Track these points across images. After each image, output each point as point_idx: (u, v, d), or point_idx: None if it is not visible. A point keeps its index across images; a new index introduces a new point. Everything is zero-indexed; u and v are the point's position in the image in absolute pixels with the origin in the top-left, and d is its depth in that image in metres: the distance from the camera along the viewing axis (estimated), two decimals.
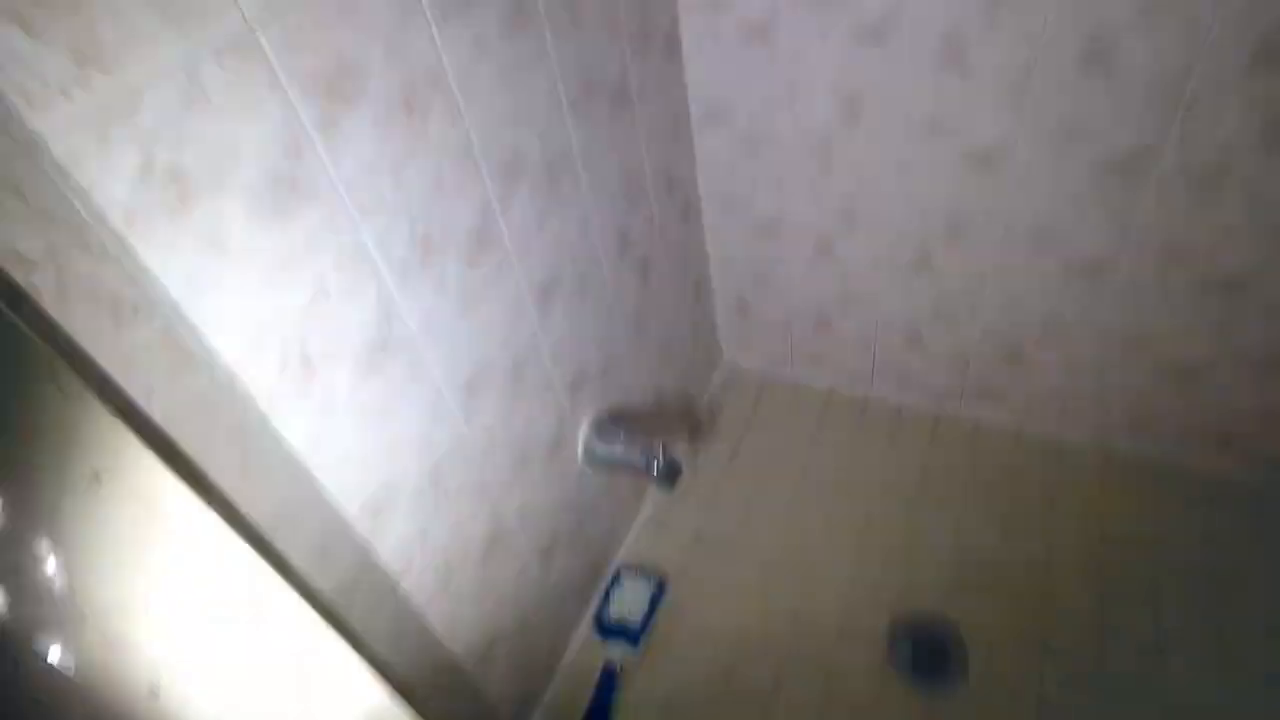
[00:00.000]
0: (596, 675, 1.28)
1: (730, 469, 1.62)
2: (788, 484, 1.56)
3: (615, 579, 1.40)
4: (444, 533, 0.93)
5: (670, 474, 1.18)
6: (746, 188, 1.45)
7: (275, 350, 0.64)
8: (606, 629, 1.32)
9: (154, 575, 0.49)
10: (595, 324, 1.20)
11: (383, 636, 0.85)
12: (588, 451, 1.24)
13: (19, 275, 0.44)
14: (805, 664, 1.27)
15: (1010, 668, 1.21)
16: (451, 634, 0.99)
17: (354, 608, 0.79)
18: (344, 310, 0.70)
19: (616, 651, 1.30)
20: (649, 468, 1.17)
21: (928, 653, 1.24)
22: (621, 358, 1.32)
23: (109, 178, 0.49)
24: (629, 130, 1.17)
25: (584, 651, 1.33)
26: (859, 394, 1.71)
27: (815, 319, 1.62)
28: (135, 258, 0.51)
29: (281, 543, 0.67)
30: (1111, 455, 1.48)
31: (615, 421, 1.28)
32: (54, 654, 0.41)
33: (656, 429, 1.57)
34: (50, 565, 0.41)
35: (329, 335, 0.69)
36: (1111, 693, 1.16)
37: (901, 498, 1.49)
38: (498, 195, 0.89)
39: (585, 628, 1.36)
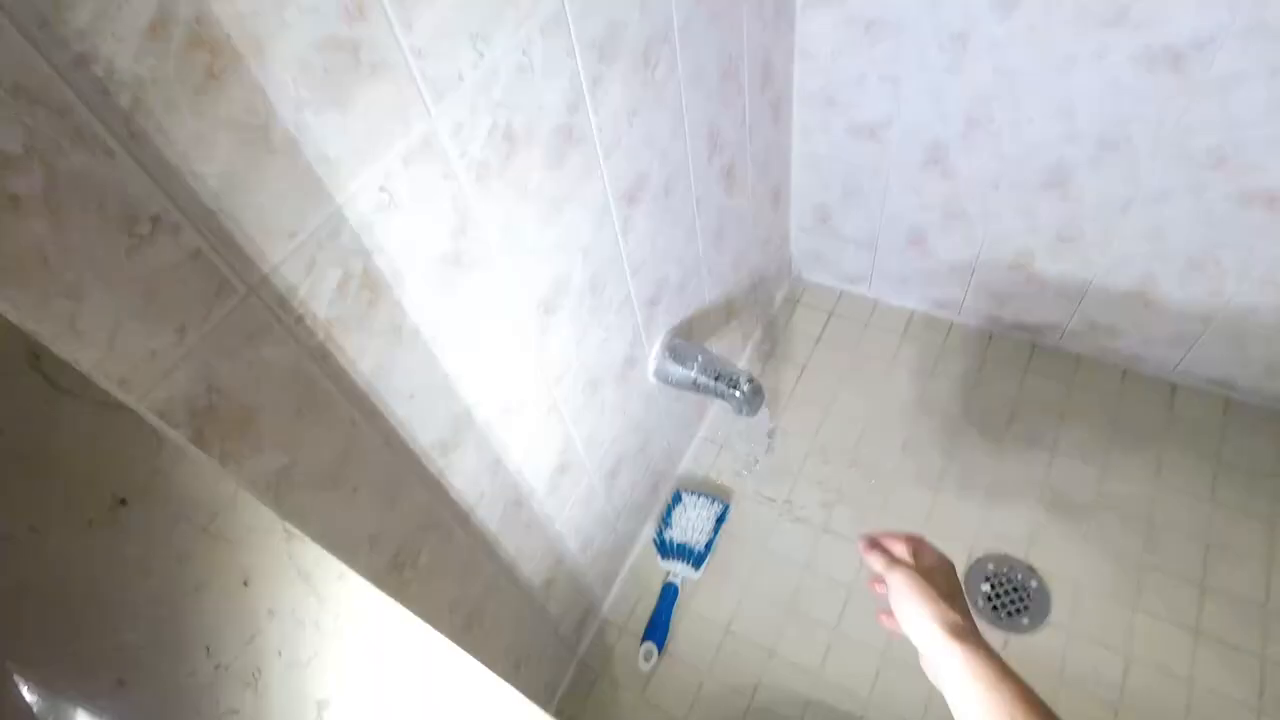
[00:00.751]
0: (658, 589, 1.26)
1: (797, 390, 1.53)
2: (859, 407, 1.47)
3: (675, 498, 1.35)
4: (513, 464, 0.87)
5: (754, 401, 1.09)
6: (851, 82, 1.26)
7: (336, 270, 0.55)
8: (667, 549, 1.28)
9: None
10: (677, 234, 1.08)
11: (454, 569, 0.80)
12: (660, 372, 1.15)
13: None
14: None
15: (1097, 620, 1.15)
16: (514, 564, 0.95)
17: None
18: (412, 221, 0.60)
19: (678, 570, 1.27)
20: (730, 395, 1.08)
21: (1007, 596, 1.19)
22: (698, 271, 1.21)
23: None
24: (732, 3, 0.99)
25: (641, 563, 1.31)
26: (945, 318, 1.58)
27: (908, 236, 1.46)
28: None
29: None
30: (1231, 401, 1.35)
31: (688, 341, 1.18)
32: None
33: (727, 347, 1.47)
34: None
35: (395, 248, 0.59)
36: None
37: (988, 430, 1.39)
38: (589, 79, 0.75)
39: (644, 543, 1.33)
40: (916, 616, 0.49)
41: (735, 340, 1.51)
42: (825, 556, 1.28)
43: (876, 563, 0.55)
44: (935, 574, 0.53)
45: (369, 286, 0.57)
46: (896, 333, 1.58)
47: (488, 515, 0.85)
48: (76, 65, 0.35)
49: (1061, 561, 1.21)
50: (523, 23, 0.63)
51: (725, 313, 1.39)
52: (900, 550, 0.56)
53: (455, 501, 0.78)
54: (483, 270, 0.69)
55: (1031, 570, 1.21)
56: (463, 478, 0.77)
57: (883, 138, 1.32)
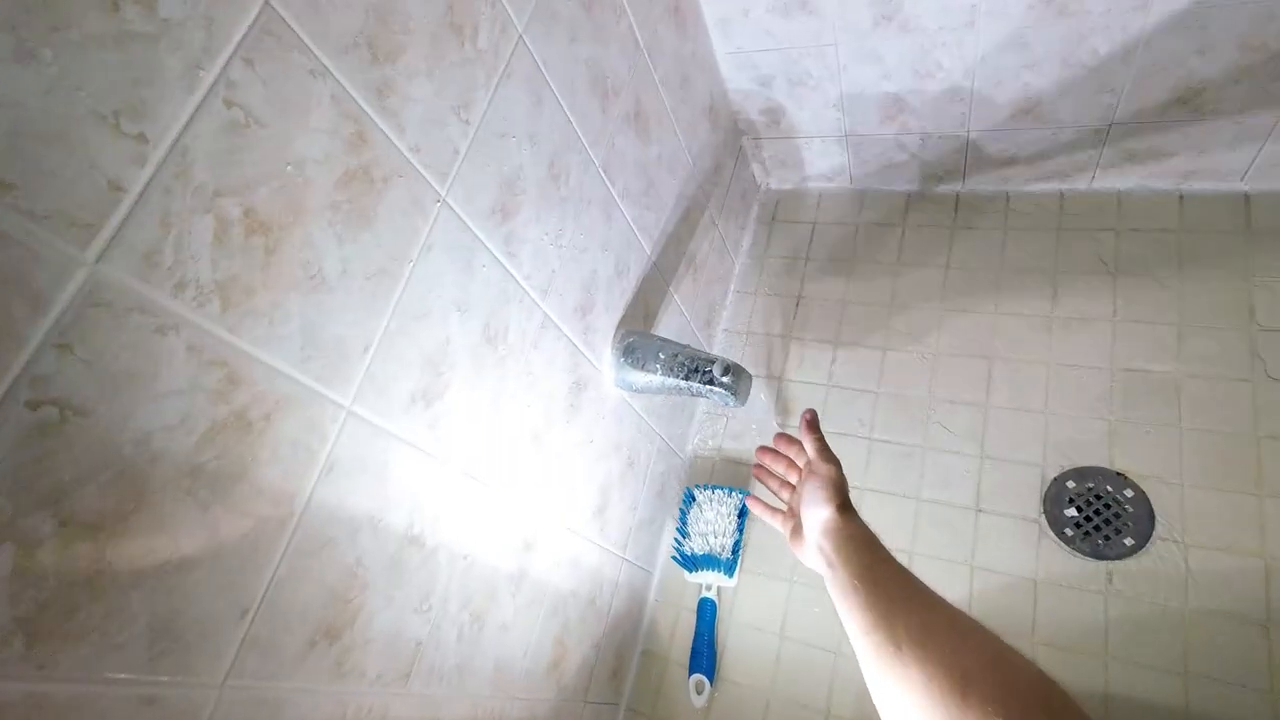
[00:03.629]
0: (694, 607, 1.11)
1: (798, 320, 1.30)
2: (879, 320, 1.24)
3: (688, 499, 1.18)
4: (466, 572, 0.69)
5: (739, 388, 0.88)
6: None
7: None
8: (692, 562, 1.12)
9: None
10: (589, 218, 0.85)
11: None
12: (621, 381, 0.95)
13: None
14: (945, 536, 1.04)
15: (1217, 520, 0.95)
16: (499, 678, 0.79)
17: None
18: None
19: (710, 581, 1.11)
20: (710, 393, 0.88)
21: (1100, 517, 0.99)
22: (634, 243, 0.98)
23: None
24: None
25: (669, 580, 1.15)
26: (949, 190, 1.32)
27: (881, 106, 1.19)
28: None
29: None
30: None
31: (645, 334, 0.97)
32: None
33: (705, 307, 1.25)
34: None
35: None
36: None
37: (1039, 313, 1.15)
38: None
39: (664, 558, 1.17)
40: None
41: (713, 294, 1.29)
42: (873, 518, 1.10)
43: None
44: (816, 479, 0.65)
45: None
46: (895, 222, 1.33)
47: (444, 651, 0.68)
48: None
49: (1153, 457, 1.00)
50: None
51: (689, 267, 1.16)
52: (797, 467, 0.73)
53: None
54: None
55: (1121, 478, 1.00)
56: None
57: (817, 6, 1.03)
